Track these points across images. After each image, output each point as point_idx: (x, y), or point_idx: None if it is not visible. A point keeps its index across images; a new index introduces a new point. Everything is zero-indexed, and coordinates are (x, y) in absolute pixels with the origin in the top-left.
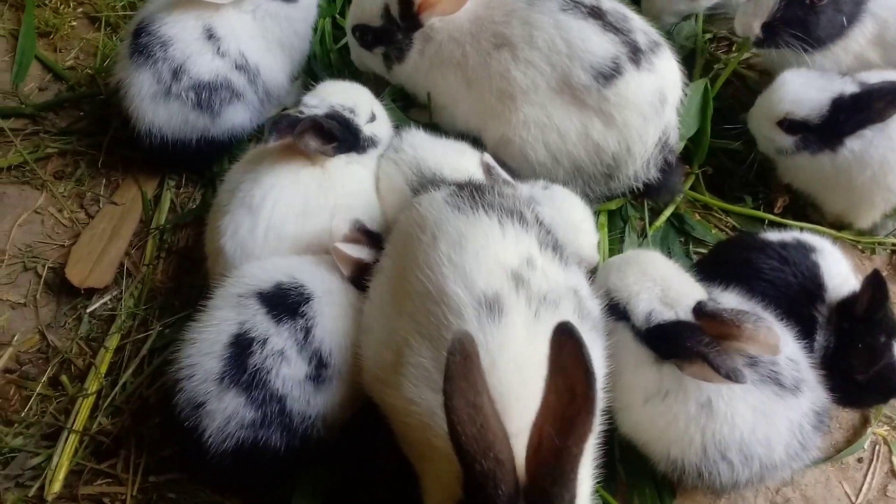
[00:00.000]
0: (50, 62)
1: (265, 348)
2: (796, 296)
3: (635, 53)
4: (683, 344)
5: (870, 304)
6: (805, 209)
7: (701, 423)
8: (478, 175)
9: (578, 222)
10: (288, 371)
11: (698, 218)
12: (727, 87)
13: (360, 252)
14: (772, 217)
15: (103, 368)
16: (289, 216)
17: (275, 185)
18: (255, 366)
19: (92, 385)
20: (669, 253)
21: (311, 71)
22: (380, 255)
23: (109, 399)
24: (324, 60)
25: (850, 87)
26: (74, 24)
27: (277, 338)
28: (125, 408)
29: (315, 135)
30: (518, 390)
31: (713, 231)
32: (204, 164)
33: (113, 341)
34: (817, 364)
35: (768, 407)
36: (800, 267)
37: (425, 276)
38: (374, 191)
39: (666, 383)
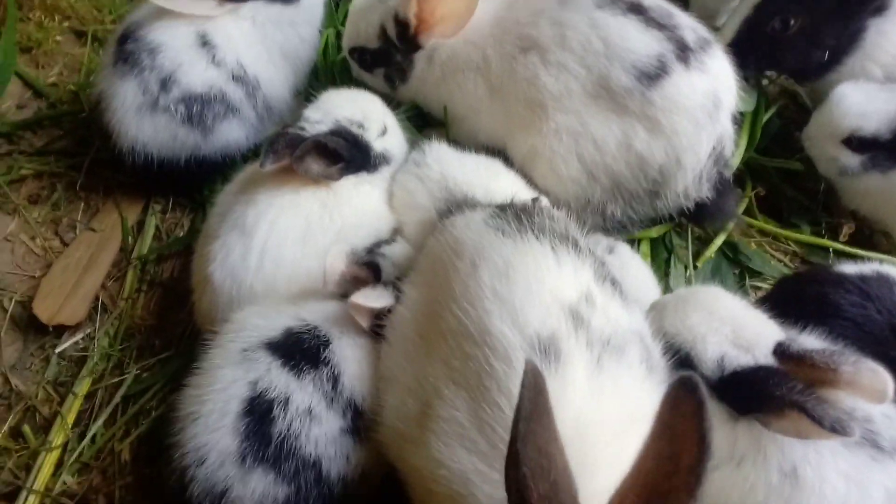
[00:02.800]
0: (31, 78)
1: (289, 409)
2: (883, 335)
3: (683, 51)
4: (771, 393)
5: None
6: (872, 237)
7: (785, 495)
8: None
9: (644, 292)
10: (320, 430)
11: (754, 247)
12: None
13: (380, 298)
14: (837, 246)
15: (71, 418)
16: (287, 240)
17: (271, 205)
18: (281, 434)
19: (57, 437)
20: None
21: (315, 85)
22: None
23: (76, 454)
24: (327, 74)
25: None
26: (59, 38)
27: (301, 393)
28: (94, 464)
29: (318, 156)
30: (578, 457)
31: (773, 262)
32: (194, 186)
33: (83, 386)
34: None
35: (863, 474)
36: (885, 303)
37: (463, 312)
38: (386, 211)
39: (741, 446)
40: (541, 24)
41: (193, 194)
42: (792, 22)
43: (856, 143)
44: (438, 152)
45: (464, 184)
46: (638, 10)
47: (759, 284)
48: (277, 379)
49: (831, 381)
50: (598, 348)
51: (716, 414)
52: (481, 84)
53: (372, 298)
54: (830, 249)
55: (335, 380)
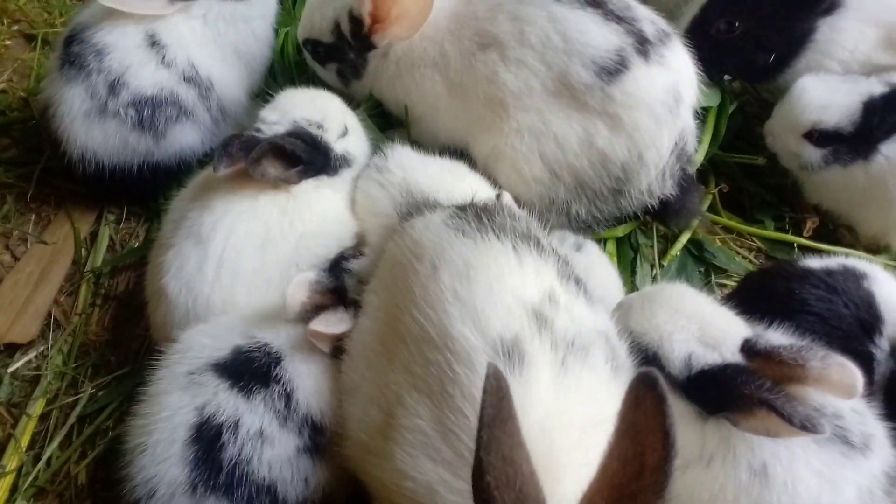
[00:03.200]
0: None
1: (239, 433)
2: (850, 330)
3: (643, 44)
4: (740, 391)
5: None
6: (836, 231)
7: (754, 494)
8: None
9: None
10: (273, 452)
11: (719, 244)
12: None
13: (340, 323)
14: (801, 241)
15: (25, 440)
16: (246, 248)
17: (229, 212)
18: (232, 459)
19: (11, 461)
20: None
21: (272, 86)
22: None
23: (31, 478)
24: (285, 73)
25: (877, 88)
26: (9, 43)
27: (252, 415)
28: (50, 489)
29: (275, 159)
30: (544, 463)
31: (738, 259)
32: (148, 194)
33: (37, 407)
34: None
35: (835, 471)
36: (851, 296)
37: (424, 316)
38: (348, 216)
39: (710, 445)
40: (499, 20)
41: (148, 202)
42: (737, 24)
43: (817, 136)
44: (401, 156)
45: (428, 189)
46: (596, 4)
47: (725, 282)
48: (226, 402)
49: (800, 377)
50: (563, 349)
51: (684, 414)
52: (439, 81)
53: (332, 324)
54: (795, 245)
55: (288, 397)
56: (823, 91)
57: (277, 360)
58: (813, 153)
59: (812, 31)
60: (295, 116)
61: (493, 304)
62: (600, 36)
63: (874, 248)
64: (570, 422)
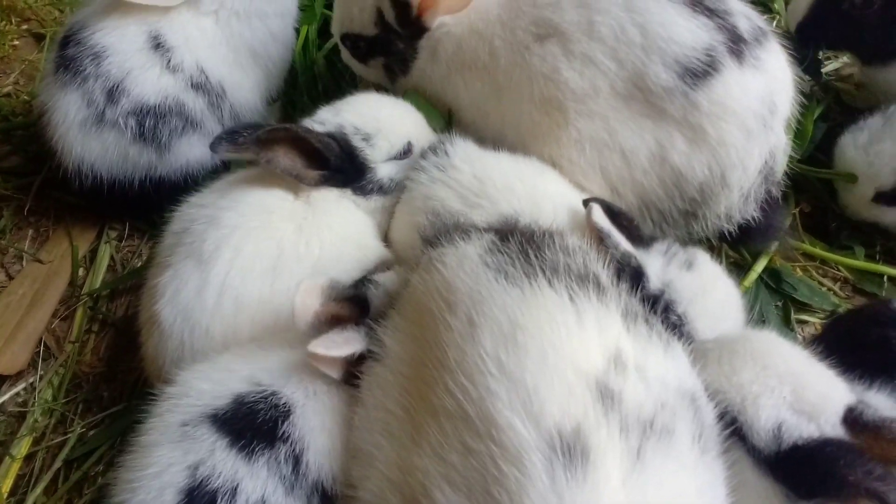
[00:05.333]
0: None
1: (237, 501)
2: None
3: (736, 43)
4: (843, 476)
5: None
6: None
7: None
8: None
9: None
10: None
11: (800, 273)
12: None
13: (347, 344)
14: (893, 272)
15: (7, 485)
16: (253, 271)
17: (237, 228)
18: None
19: None
20: (763, 323)
21: (294, 89)
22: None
23: None
24: (306, 75)
25: None
26: (17, 42)
27: (253, 480)
28: None
29: (293, 152)
30: None
31: (823, 291)
32: (152, 210)
33: (22, 447)
34: None
35: None
36: None
37: (461, 390)
38: (374, 243)
39: None
40: (563, 6)
41: (153, 218)
42: None
43: (885, 198)
44: (467, 150)
45: (504, 189)
46: None
47: (807, 318)
48: (223, 463)
49: None
50: (638, 435)
51: (769, 494)
52: (487, 84)
53: (336, 345)
54: (885, 276)
55: (297, 460)
56: (868, 146)
57: (286, 414)
58: (888, 214)
59: None
60: (345, 120)
61: (548, 383)
62: (687, 31)
63: None
64: None
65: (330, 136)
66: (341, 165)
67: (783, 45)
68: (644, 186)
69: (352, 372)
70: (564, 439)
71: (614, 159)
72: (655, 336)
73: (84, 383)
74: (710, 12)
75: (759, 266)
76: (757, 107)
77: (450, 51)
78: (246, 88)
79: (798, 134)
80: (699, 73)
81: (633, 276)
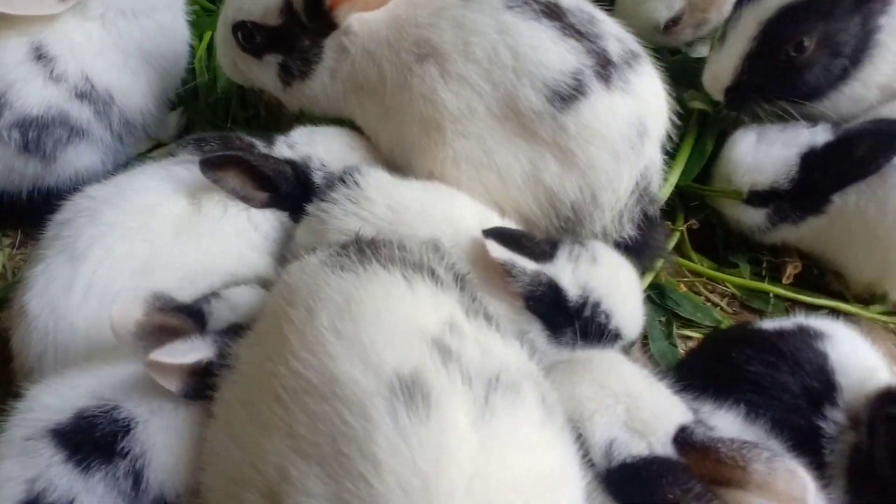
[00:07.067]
0: None
1: None
2: (793, 401)
3: (605, 67)
4: (663, 495)
5: None
6: (825, 277)
7: None
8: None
9: (626, 290)
10: None
11: (685, 289)
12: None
13: (190, 352)
14: (778, 290)
15: None
16: (122, 271)
17: (114, 226)
18: None
19: None
20: (646, 340)
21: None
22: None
23: None
24: (207, 83)
25: (821, 137)
26: None
27: (89, 496)
28: None
29: (246, 175)
30: None
31: (707, 307)
32: (45, 219)
33: None
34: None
35: None
36: (799, 361)
37: (303, 363)
38: (253, 254)
39: None
40: (442, 27)
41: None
42: (806, 43)
43: (752, 198)
44: (380, 180)
45: (422, 215)
46: (554, 14)
47: (690, 334)
48: (59, 477)
49: (740, 481)
50: (482, 385)
51: None
52: (378, 105)
53: (179, 353)
54: (770, 294)
55: (137, 475)
56: (755, 146)
57: (126, 429)
58: (754, 215)
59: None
60: (313, 153)
61: (384, 337)
62: (556, 54)
63: (866, 299)
64: (510, 481)
65: (290, 162)
66: (291, 193)
67: None
68: (521, 205)
69: (203, 385)
70: (403, 382)
71: (491, 178)
72: (494, 329)
73: None
74: (580, 35)
75: (645, 282)
76: (625, 130)
77: (346, 71)
78: (137, 93)
79: (696, 153)
80: (566, 96)
81: (550, 292)
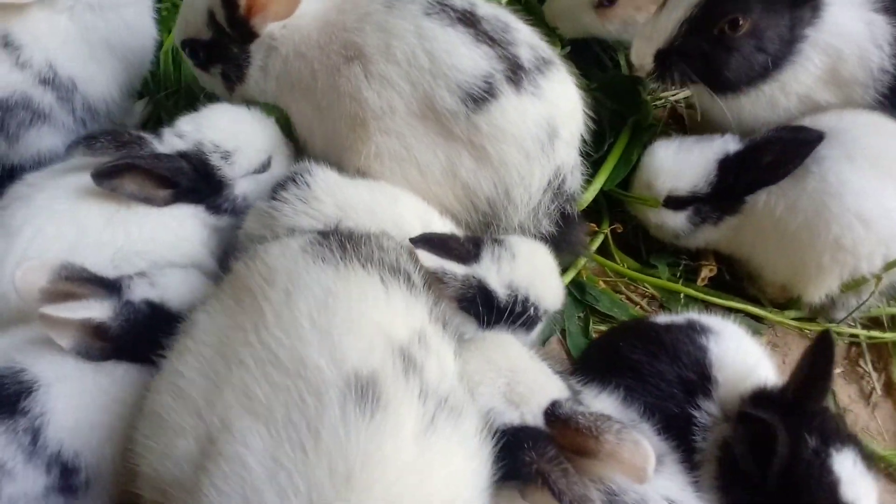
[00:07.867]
0: None
1: None
2: (668, 389)
3: (515, 72)
4: (523, 457)
5: (804, 387)
6: (741, 280)
7: None
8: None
9: (544, 272)
10: (15, 488)
11: (603, 286)
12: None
13: (81, 309)
14: (690, 291)
15: None
16: (51, 250)
17: (46, 209)
18: None
19: None
20: (564, 333)
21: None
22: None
23: None
24: (171, 78)
25: (732, 146)
26: None
27: None
28: None
29: (141, 176)
30: None
31: (625, 305)
32: None
33: None
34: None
35: None
36: (678, 353)
37: (275, 339)
38: (191, 248)
39: None
40: (366, 30)
41: None
42: (741, 21)
43: (673, 203)
44: (328, 180)
45: (367, 214)
46: (468, 22)
47: (605, 328)
48: None
49: (594, 451)
50: (434, 405)
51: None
52: (311, 104)
53: (68, 309)
54: (681, 294)
55: (35, 433)
56: (673, 154)
57: (28, 391)
58: (675, 219)
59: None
60: (204, 137)
61: (353, 338)
62: (468, 59)
63: (783, 304)
64: (430, 495)
65: (184, 154)
66: (194, 186)
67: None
68: (442, 199)
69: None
70: (360, 381)
71: (413, 173)
72: (447, 340)
73: None
74: (493, 42)
75: (566, 278)
76: (535, 131)
77: (278, 69)
78: (100, 81)
79: (622, 161)
80: (478, 98)
81: (481, 293)
